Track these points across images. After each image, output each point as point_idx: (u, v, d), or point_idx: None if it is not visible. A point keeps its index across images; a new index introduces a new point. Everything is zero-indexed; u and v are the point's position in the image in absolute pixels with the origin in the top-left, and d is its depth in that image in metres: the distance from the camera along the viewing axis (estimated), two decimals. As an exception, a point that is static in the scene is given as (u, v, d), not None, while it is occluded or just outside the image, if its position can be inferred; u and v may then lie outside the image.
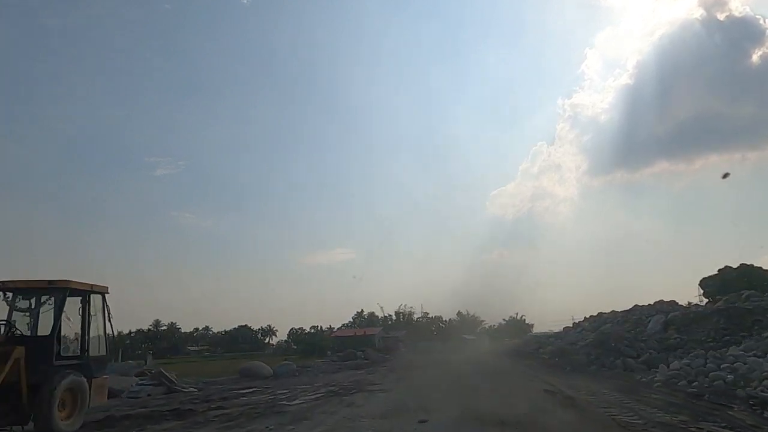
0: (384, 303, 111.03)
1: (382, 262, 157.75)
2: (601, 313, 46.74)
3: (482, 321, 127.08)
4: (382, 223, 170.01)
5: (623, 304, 42.58)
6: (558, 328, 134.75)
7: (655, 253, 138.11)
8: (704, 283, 73.60)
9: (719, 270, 73.62)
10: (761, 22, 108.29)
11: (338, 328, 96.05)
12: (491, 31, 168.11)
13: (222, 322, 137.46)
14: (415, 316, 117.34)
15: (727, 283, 49.65)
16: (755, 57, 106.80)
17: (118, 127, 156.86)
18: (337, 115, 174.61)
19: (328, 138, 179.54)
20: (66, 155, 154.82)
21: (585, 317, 48.62)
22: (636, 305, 39.59)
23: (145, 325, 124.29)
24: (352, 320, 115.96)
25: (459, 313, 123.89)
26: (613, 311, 45.55)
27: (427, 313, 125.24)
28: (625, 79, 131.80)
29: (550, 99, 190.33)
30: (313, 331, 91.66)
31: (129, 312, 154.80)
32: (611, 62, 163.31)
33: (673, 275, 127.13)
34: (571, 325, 51.80)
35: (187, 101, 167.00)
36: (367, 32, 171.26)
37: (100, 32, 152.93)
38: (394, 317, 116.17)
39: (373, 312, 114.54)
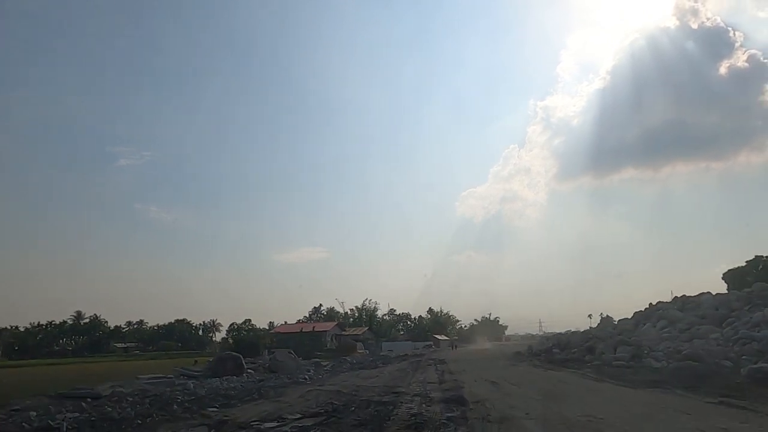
0: (353, 301, 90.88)
1: (352, 260, 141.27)
2: (684, 295, 28.00)
3: (457, 320, 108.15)
4: (353, 222, 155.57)
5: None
6: (524, 331, 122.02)
7: (622, 258, 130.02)
8: (731, 275, 60.83)
9: (747, 262, 63.01)
10: (731, 34, 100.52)
11: (281, 324, 73.98)
12: (466, 28, 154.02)
13: (164, 317, 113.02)
14: (380, 313, 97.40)
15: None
16: (723, 69, 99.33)
17: (77, 114, 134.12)
18: (310, 112, 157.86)
19: (300, 135, 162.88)
20: (20, 141, 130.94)
21: (651, 303, 29.40)
22: None
23: (61, 318, 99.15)
24: (308, 316, 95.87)
25: (430, 311, 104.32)
26: (705, 292, 27.14)
27: (394, 310, 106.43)
28: (597, 83, 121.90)
29: (523, 100, 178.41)
30: (247, 326, 69.16)
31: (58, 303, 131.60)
32: (586, 66, 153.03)
33: (640, 279, 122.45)
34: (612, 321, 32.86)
35: (155, 88, 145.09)
36: (343, 30, 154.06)
37: (62, 12, 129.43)
38: (356, 314, 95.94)
39: (332, 308, 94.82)
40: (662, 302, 28.10)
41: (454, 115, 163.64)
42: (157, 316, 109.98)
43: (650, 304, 28.62)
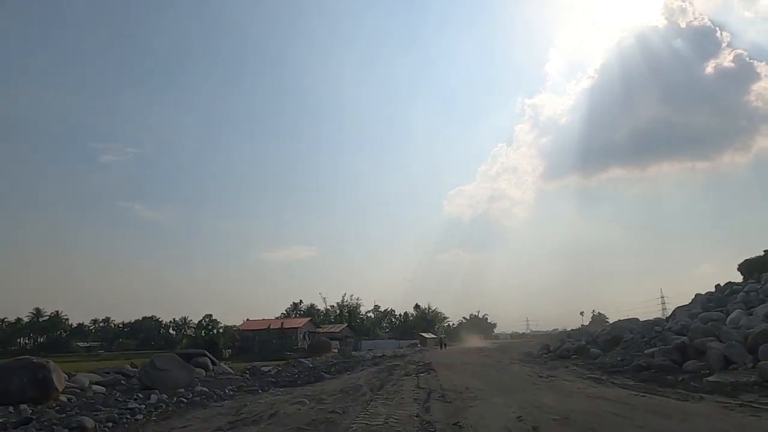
0: (340, 298, 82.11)
1: (340, 258, 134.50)
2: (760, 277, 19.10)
3: (445, 317, 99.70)
4: (342, 220, 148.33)
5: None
6: (511, 329, 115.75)
7: (609, 257, 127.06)
8: (747, 265, 53.84)
9: (766, 251, 55.80)
10: (718, 34, 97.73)
11: (257, 320, 64.87)
12: (455, 27, 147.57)
13: (140, 315, 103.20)
14: (363, 309, 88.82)
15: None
16: (710, 68, 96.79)
17: (59, 108, 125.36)
18: (299, 110, 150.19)
19: (288, 132, 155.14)
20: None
21: (710, 288, 21.16)
22: None
23: (18, 315, 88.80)
24: (285, 312, 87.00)
25: (417, 307, 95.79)
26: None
27: (378, 307, 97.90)
28: (586, 82, 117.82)
29: (511, 98, 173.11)
30: (208, 322, 60.04)
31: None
32: (574, 64, 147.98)
33: (626, 278, 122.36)
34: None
35: (140, 83, 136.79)
36: (334, 29, 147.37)
37: (48, 9, 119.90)
38: (338, 310, 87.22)
39: (313, 304, 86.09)
40: (733, 283, 20.04)
41: (444, 113, 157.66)
42: (134, 315, 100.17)
43: (717, 285, 20.56)
